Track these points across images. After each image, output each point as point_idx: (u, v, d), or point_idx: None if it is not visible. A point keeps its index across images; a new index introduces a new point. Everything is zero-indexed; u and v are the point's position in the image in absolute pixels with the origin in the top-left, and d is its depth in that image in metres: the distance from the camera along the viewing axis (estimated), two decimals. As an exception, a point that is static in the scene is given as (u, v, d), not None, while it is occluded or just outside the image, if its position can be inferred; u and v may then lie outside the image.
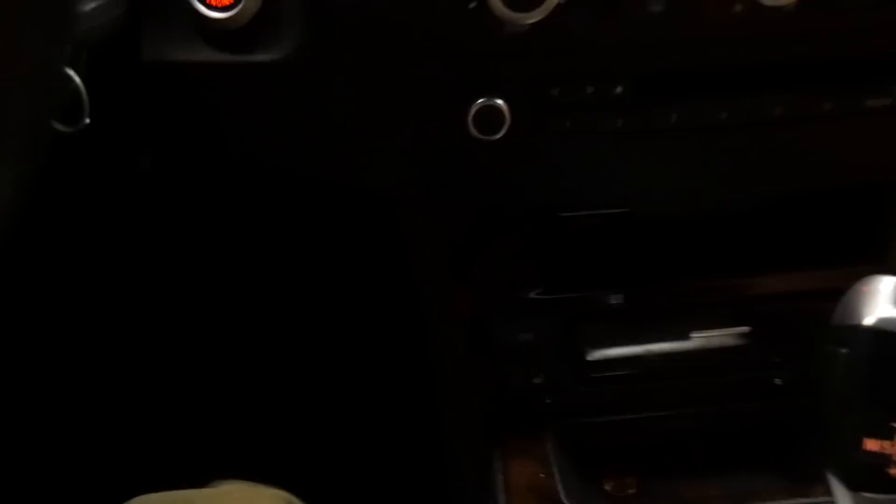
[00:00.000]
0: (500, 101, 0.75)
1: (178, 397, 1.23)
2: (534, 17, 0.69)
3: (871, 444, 0.60)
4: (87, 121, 0.60)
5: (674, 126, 0.79)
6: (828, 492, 0.68)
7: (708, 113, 0.78)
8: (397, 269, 0.99)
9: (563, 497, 0.89)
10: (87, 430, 1.20)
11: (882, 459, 0.60)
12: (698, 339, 0.94)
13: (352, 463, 1.22)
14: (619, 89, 0.77)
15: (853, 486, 0.62)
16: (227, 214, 1.20)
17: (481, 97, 0.75)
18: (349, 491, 1.15)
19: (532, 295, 0.91)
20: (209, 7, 0.70)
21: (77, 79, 0.58)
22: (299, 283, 1.24)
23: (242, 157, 0.92)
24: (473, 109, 0.75)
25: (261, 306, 1.25)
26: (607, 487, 0.94)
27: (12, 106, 0.51)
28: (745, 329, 0.94)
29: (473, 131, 0.76)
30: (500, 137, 0.76)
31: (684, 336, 0.94)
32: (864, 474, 0.61)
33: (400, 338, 1.16)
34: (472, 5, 0.70)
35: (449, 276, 0.93)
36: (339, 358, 1.25)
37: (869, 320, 0.60)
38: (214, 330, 1.24)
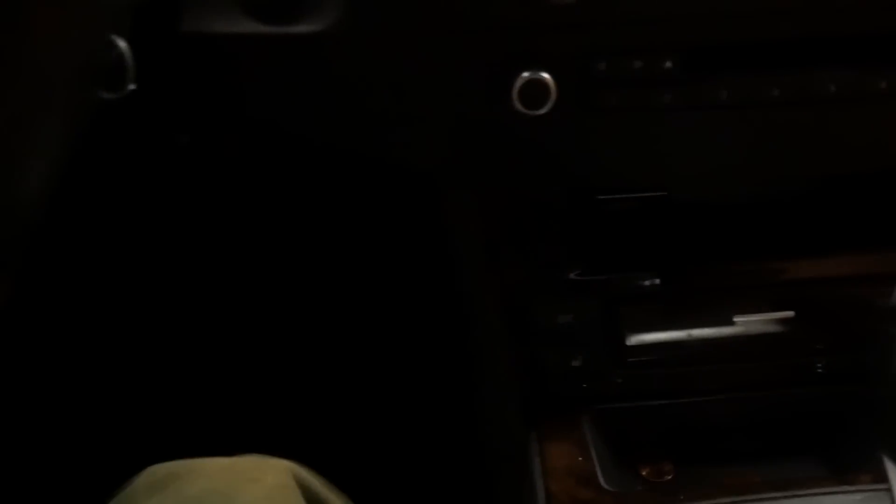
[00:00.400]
0: (545, 75, 0.73)
1: (204, 381, 1.23)
2: (582, -14, 0.67)
3: (929, 428, 0.59)
4: (132, 87, 0.58)
5: (724, 103, 0.77)
6: (875, 479, 0.66)
7: (759, 89, 0.76)
8: (432, 250, 0.98)
9: (601, 481, 0.88)
10: (107, 410, 1.20)
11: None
12: (739, 325, 0.92)
13: (389, 446, 1.22)
14: (668, 64, 0.75)
15: (911, 470, 0.61)
16: (261, 195, 1.19)
17: (527, 70, 0.73)
18: (387, 474, 1.14)
19: (572, 276, 0.90)
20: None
21: (122, 43, 0.56)
22: (336, 264, 1.24)
23: (280, 132, 0.91)
24: (519, 83, 0.73)
25: (295, 288, 1.24)
26: (644, 473, 0.93)
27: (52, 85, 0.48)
28: (787, 314, 0.92)
29: (518, 105, 0.74)
30: (545, 112, 0.74)
31: (725, 321, 0.92)
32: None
33: (437, 320, 1.15)
34: None
35: (488, 257, 0.92)
36: (375, 341, 1.24)
37: (931, 300, 0.59)
38: (244, 311, 1.24)
